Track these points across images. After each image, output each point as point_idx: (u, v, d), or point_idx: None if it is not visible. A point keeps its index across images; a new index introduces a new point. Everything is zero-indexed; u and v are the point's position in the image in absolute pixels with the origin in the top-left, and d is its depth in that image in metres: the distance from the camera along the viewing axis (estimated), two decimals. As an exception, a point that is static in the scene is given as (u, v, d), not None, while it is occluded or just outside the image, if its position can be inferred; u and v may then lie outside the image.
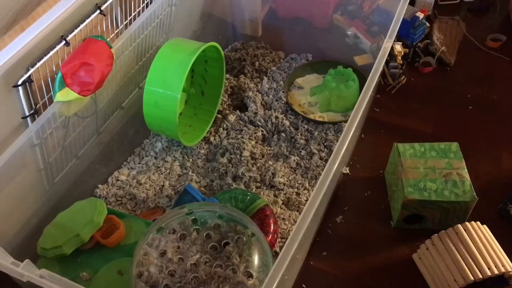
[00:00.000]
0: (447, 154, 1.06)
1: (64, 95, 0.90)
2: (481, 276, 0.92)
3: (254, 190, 1.11)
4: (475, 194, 1.00)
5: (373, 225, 1.09)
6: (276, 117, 1.25)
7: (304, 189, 1.12)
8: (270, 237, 0.99)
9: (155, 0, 1.10)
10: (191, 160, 1.19)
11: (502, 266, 0.94)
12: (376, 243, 1.06)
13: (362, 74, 1.29)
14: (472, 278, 0.92)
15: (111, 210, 1.02)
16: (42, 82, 0.94)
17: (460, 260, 0.94)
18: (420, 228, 1.06)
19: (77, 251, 0.93)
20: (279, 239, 1.03)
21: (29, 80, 0.90)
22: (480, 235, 0.98)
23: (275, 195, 1.11)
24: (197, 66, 1.26)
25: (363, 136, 1.24)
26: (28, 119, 0.94)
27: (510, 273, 0.95)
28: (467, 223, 0.99)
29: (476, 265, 0.93)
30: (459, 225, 0.98)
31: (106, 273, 0.87)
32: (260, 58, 1.42)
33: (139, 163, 1.20)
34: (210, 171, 1.17)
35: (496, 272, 0.93)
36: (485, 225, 1.00)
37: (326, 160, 1.16)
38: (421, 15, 1.33)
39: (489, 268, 0.93)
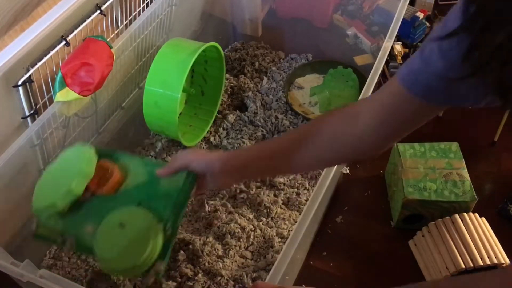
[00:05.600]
0: (447, 154, 1.06)
1: (64, 95, 0.90)
2: (472, 265, 0.93)
3: (254, 190, 1.11)
4: (475, 194, 1.00)
5: (373, 225, 1.09)
6: (276, 117, 1.25)
7: (304, 189, 1.12)
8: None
9: (155, 0, 1.10)
10: (191, 160, 1.19)
11: (495, 257, 0.94)
12: (376, 243, 1.06)
13: (362, 74, 1.29)
14: (463, 266, 0.93)
15: (103, 151, 0.88)
16: (42, 82, 0.94)
17: (453, 248, 0.95)
18: (420, 228, 1.06)
19: (76, 203, 0.84)
20: (279, 239, 1.03)
21: (29, 80, 0.89)
22: (477, 226, 0.99)
23: (275, 195, 1.11)
24: (197, 66, 1.26)
25: (363, 136, 1.24)
26: (28, 119, 0.94)
27: (503, 265, 0.95)
28: (464, 213, 0.99)
29: (468, 254, 0.94)
30: (456, 215, 0.99)
31: (107, 228, 0.79)
32: (260, 58, 1.42)
33: (139, 163, 1.20)
34: (210, 171, 1.17)
35: (488, 262, 0.93)
36: (483, 218, 1.01)
37: (326, 160, 1.16)
38: (421, 15, 1.33)
39: (481, 258, 0.94)
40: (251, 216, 1.07)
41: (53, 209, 0.82)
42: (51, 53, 0.92)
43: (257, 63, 1.40)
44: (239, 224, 1.03)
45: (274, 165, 0.73)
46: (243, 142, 1.19)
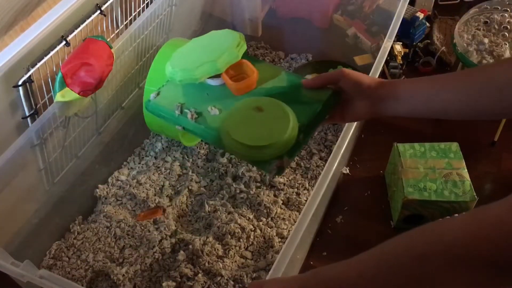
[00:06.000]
0: (447, 154, 1.06)
1: (64, 95, 0.90)
2: None
3: (254, 190, 1.11)
4: (475, 194, 1.00)
5: (373, 225, 1.09)
6: (276, 117, 1.25)
7: (304, 189, 1.12)
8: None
9: (155, 0, 1.10)
10: (191, 160, 1.19)
11: None
12: (376, 243, 1.06)
13: (362, 74, 1.29)
14: None
15: (247, 57, 0.86)
16: (43, 82, 0.94)
17: None
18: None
19: (204, 85, 0.83)
20: (279, 239, 1.03)
21: (29, 80, 0.90)
22: None
23: (275, 195, 1.11)
24: (197, 66, 1.26)
25: (363, 136, 1.24)
26: (28, 119, 0.94)
27: None
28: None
29: None
30: (456, 215, 0.99)
31: (241, 109, 0.76)
32: (260, 58, 1.42)
33: (139, 163, 1.20)
34: (210, 171, 1.17)
35: None
36: None
37: (326, 160, 1.16)
38: (421, 15, 1.33)
39: None
40: (251, 216, 1.07)
41: (189, 75, 0.81)
42: (51, 53, 0.92)
43: (257, 63, 1.40)
44: (239, 224, 1.03)
45: (441, 100, 0.70)
46: (243, 142, 1.19)
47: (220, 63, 0.80)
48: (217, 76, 0.82)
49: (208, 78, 0.83)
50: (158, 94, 0.85)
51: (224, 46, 0.82)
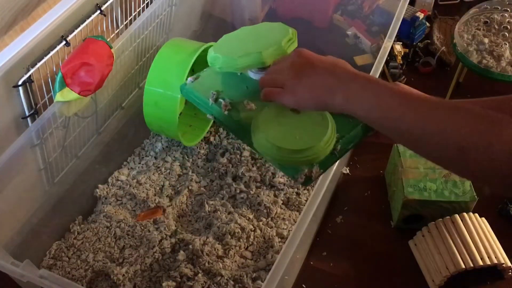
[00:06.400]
0: (447, 154, 1.06)
1: (64, 95, 0.90)
2: (472, 265, 0.93)
3: (254, 190, 1.11)
4: (475, 194, 1.00)
5: (373, 225, 1.09)
6: (276, 117, 1.25)
7: (304, 189, 1.12)
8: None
9: (155, 0, 1.10)
10: (191, 160, 1.19)
11: (496, 257, 0.95)
12: (376, 243, 1.06)
13: (362, 74, 1.29)
14: (463, 266, 0.93)
15: None
16: (42, 82, 0.94)
17: (453, 248, 0.95)
18: (420, 228, 1.06)
19: (247, 78, 0.79)
20: (279, 239, 1.03)
21: (29, 80, 0.90)
22: (477, 226, 0.99)
23: (275, 195, 1.11)
24: (197, 66, 1.26)
25: (363, 136, 1.24)
26: (28, 119, 0.94)
27: (503, 265, 0.95)
28: (464, 213, 1.00)
29: (468, 254, 0.94)
30: (456, 215, 0.99)
31: (279, 106, 0.71)
32: (260, 58, 1.41)
33: (139, 163, 1.20)
34: (210, 171, 1.17)
35: (488, 262, 0.93)
36: (483, 218, 1.01)
37: (326, 160, 1.16)
38: (421, 15, 1.33)
39: (481, 258, 0.94)
40: (251, 216, 1.07)
41: (231, 64, 0.77)
42: (51, 53, 0.92)
43: (257, 63, 1.40)
44: (239, 224, 1.03)
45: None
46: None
47: (265, 56, 0.75)
48: (261, 69, 0.78)
49: (250, 70, 0.79)
50: (196, 78, 0.81)
51: (273, 39, 0.78)
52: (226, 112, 0.75)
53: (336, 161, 0.72)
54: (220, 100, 0.76)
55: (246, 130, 0.73)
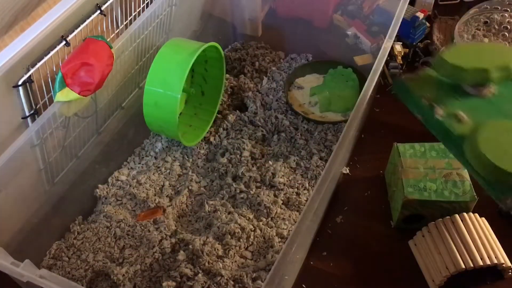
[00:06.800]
0: (447, 154, 1.06)
1: (64, 95, 0.90)
2: (472, 265, 0.93)
3: (254, 190, 1.11)
4: (475, 194, 1.00)
5: (373, 225, 1.09)
6: (276, 117, 1.25)
7: (304, 189, 1.12)
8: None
9: (155, 0, 1.10)
10: (191, 160, 1.19)
11: (496, 257, 0.95)
12: (376, 243, 1.06)
13: (362, 74, 1.29)
14: (463, 266, 0.93)
15: None
16: (42, 82, 0.94)
17: (453, 248, 0.96)
18: (420, 228, 1.06)
19: (461, 90, 0.80)
20: (279, 239, 1.03)
21: (29, 80, 0.90)
22: (477, 226, 0.99)
23: (275, 195, 1.11)
24: (197, 66, 1.27)
25: (363, 136, 1.25)
26: (28, 119, 0.94)
27: (503, 265, 0.95)
28: (464, 213, 1.00)
29: (468, 254, 0.94)
30: (456, 215, 0.99)
31: (500, 125, 0.73)
32: (260, 58, 1.42)
33: (139, 163, 1.20)
34: (210, 171, 1.17)
35: (488, 262, 0.93)
36: (483, 218, 1.01)
37: (326, 160, 1.16)
38: (421, 15, 1.33)
39: (481, 258, 0.94)
40: (251, 216, 1.07)
41: (456, 74, 0.77)
42: (51, 53, 0.92)
43: (257, 63, 1.40)
44: (239, 224, 1.03)
45: None
46: (243, 142, 1.19)
47: (493, 75, 0.78)
48: (477, 86, 0.80)
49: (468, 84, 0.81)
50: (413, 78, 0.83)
51: (502, 60, 0.80)
52: (440, 118, 0.77)
53: None
54: (434, 104, 0.78)
55: (458, 142, 0.74)
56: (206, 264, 0.98)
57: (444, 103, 0.79)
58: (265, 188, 1.12)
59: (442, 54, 0.84)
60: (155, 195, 1.13)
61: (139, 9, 1.13)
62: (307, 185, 1.13)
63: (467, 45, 0.87)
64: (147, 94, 1.08)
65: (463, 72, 0.79)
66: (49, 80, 0.95)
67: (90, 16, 1.00)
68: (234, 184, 1.12)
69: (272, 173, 1.14)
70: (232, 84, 1.34)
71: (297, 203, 1.10)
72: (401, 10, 1.07)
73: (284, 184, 1.13)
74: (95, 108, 1.03)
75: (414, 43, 1.38)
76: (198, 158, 1.20)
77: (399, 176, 1.04)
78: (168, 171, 1.18)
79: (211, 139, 1.24)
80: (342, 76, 1.29)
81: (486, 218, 1.02)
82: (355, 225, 1.09)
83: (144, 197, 1.11)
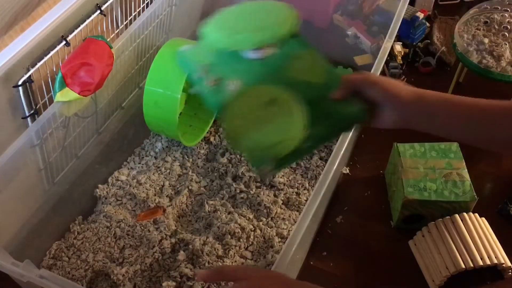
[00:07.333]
0: (447, 154, 1.06)
1: (64, 95, 0.90)
2: (472, 265, 0.93)
3: (254, 190, 1.11)
4: (475, 194, 1.00)
5: (373, 225, 1.09)
6: (276, 117, 1.25)
7: (304, 189, 1.12)
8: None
9: (155, 0, 1.10)
10: (191, 160, 1.19)
11: (496, 257, 0.95)
12: (376, 243, 1.06)
13: (362, 74, 1.29)
14: (463, 266, 0.93)
15: (299, 37, 0.80)
16: (42, 82, 0.94)
17: (453, 248, 0.96)
18: (420, 228, 1.06)
19: (239, 57, 0.76)
20: (279, 239, 1.03)
21: (29, 80, 0.90)
22: (477, 226, 0.99)
23: (275, 195, 1.11)
24: (197, 66, 1.26)
25: (363, 136, 1.24)
26: (28, 119, 0.94)
27: (503, 265, 0.95)
28: (464, 213, 1.00)
29: (468, 254, 0.95)
30: (456, 215, 0.99)
31: (252, 93, 0.69)
32: (260, 58, 1.42)
33: (139, 163, 1.20)
34: (210, 171, 1.17)
35: (488, 262, 0.93)
36: (483, 218, 1.01)
37: (326, 160, 1.16)
38: (421, 15, 1.33)
39: (481, 258, 0.94)
40: (251, 216, 1.07)
41: (228, 40, 0.74)
42: (51, 53, 0.92)
43: (257, 63, 1.40)
44: (239, 224, 1.03)
45: (474, 125, 0.68)
46: (243, 142, 1.19)
47: (259, 38, 0.74)
48: (256, 49, 0.75)
49: (244, 49, 0.76)
50: (193, 47, 0.79)
51: (271, 20, 0.76)
52: (210, 88, 0.73)
53: (301, 158, 0.71)
54: (210, 75, 0.74)
55: (220, 109, 0.71)
56: (206, 264, 0.98)
57: (223, 72, 0.74)
58: (265, 188, 1.12)
59: (210, 21, 0.78)
60: (155, 195, 1.13)
61: (139, 9, 1.13)
62: (307, 185, 1.13)
63: (233, 8, 0.79)
64: (147, 94, 1.08)
65: (233, 37, 0.74)
66: (49, 80, 0.95)
67: (90, 16, 1.00)
68: (234, 184, 1.12)
69: (272, 173, 1.14)
70: (232, 84, 1.34)
71: (297, 203, 1.10)
72: (401, 10, 1.07)
73: (284, 184, 1.13)
74: (95, 108, 1.03)
75: (414, 43, 1.38)
76: (198, 158, 1.20)
77: (399, 176, 1.04)
78: (168, 171, 1.17)
79: (211, 139, 1.24)
80: (342, 76, 1.29)
81: (486, 218, 1.02)
82: (355, 225, 1.09)
83: (144, 197, 1.11)
